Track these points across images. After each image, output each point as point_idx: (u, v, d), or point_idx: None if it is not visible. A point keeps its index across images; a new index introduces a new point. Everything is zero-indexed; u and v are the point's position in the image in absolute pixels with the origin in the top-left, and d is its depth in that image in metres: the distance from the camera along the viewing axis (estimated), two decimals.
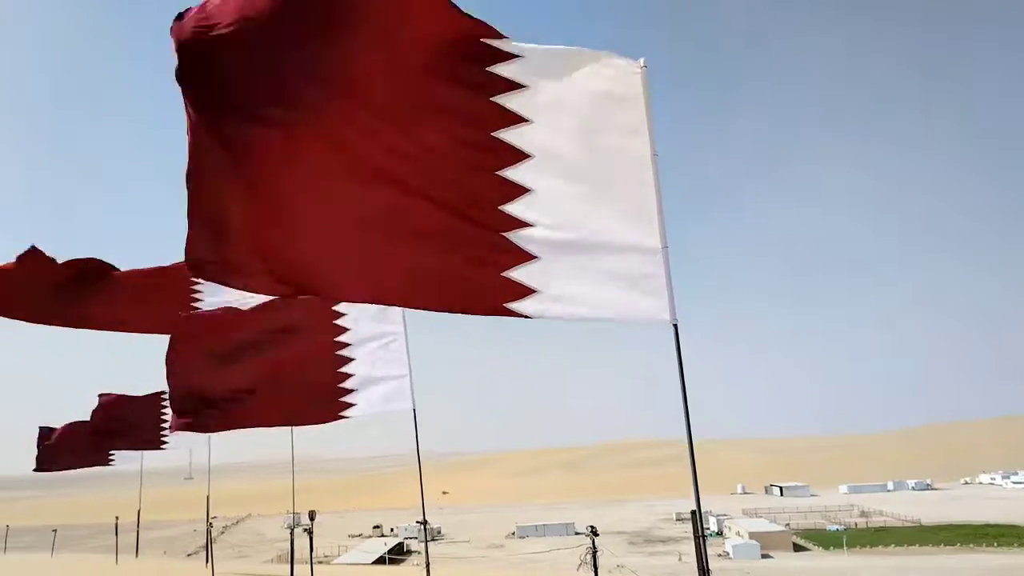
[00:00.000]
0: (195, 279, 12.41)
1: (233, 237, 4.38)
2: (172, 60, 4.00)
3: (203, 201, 4.22)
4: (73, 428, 19.43)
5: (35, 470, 19.42)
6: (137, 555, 24.82)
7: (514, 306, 4.58)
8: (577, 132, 4.63)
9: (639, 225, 4.58)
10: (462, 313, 4.75)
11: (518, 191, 4.57)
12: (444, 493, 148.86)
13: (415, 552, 77.34)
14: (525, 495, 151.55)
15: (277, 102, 4.15)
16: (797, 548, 76.63)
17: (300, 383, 10.14)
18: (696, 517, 4.39)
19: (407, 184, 4.58)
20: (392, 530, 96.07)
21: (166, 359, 9.55)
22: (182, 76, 3.97)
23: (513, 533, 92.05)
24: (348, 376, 9.97)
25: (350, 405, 9.98)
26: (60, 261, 11.49)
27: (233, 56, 3.98)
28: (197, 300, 12.36)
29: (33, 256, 11.21)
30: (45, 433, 19.61)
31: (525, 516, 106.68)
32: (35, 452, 19.64)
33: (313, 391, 10.10)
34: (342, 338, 10.03)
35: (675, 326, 4.48)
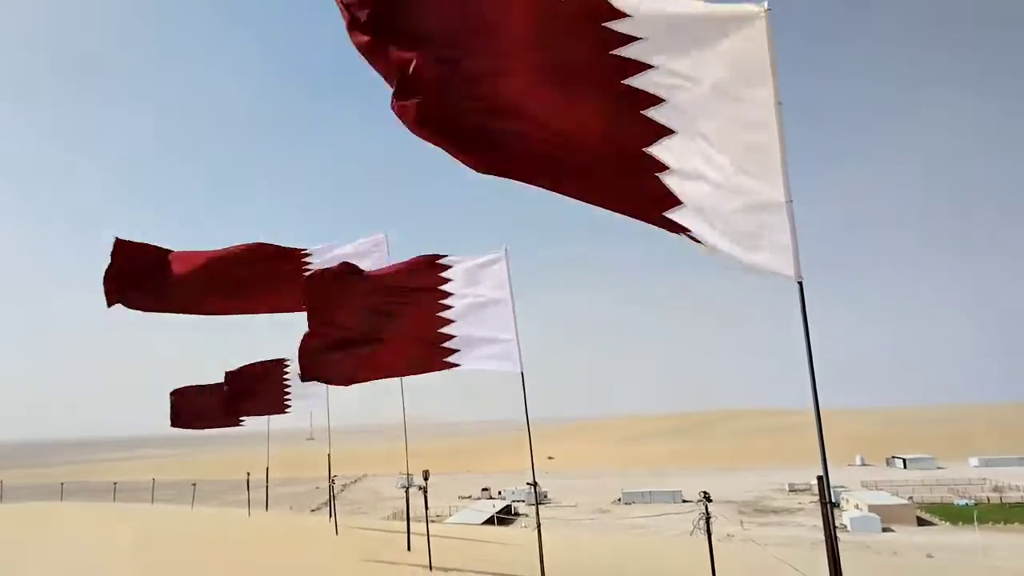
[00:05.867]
0: (304, 255, 13.08)
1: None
2: None
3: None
4: (206, 391, 21.00)
5: (172, 425, 21.18)
6: (267, 509, 26.65)
7: (671, 214, 4.81)
8: (701, 79, 4.48)
9: (763, 177, 4.38)
10: (626, 214, 5.02)
11: (660, 132, 4.70)
12: (550, 458, 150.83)
13: (522, 515, 79.13)
14: (631, 461, 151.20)
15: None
16: (921, 523, 72.72)
17: (408, 339, 10.64)
18: (823, 483, 4.19)
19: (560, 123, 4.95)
20: (500, 493, 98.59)
21: (307, 316, 10.36)
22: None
23: (619, 499, 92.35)
24: (451, 334, 10.35)
25: (454, 352, 10.40)
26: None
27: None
28: (307, 266, 12.97)
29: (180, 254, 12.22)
30: (178, 395, 21.35)
31: (631, 482, 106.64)
32: (172, 413, 21.49)
33: (419, 345, 10.56)
34: (446, 287, 10.42)
35: (800, 283, 4.26)
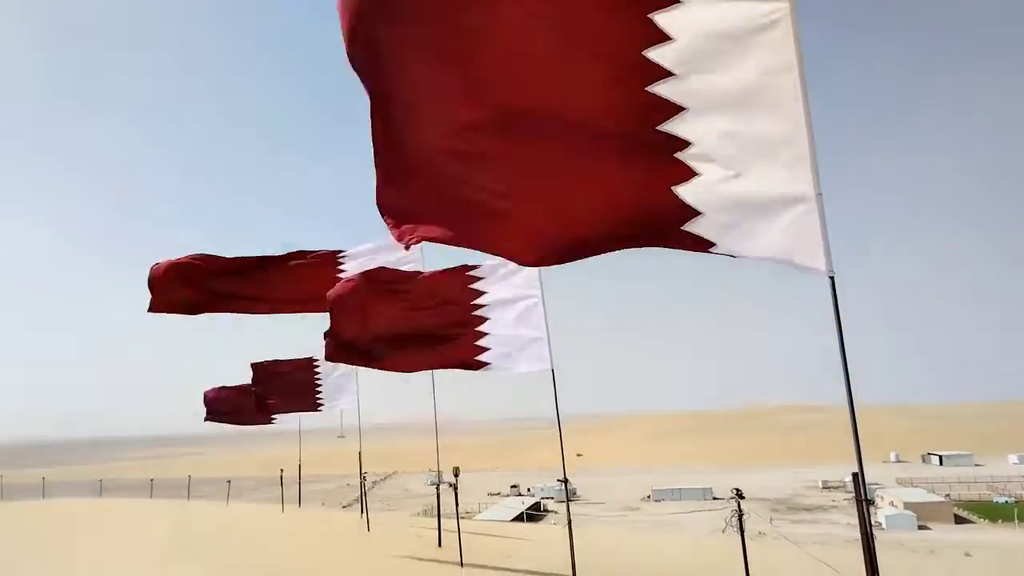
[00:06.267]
0: (339, 257, 13.37)
1: (412, 187, 4.98)
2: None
3: (385, 153, 4.86)
4: (239, 390, 21.40)
5: (206, 419, 21.74)
6: (300, 505, 27.02)
7: (688, 227, 4.64)
8: (726, 68, 4.40)
9: (791, 169, 4.30)
10: (642, 247, 4.91)
11: (678, 143, 4.58)
12: (578, 455, 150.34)
13: (551, 512, 79.13)
14: (660, 458, 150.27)
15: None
16: (959, 520, 71.26)
17: (439, 333, 10.73)
18: (858, 480, 4.13)
19: (563, 120, 4.78)
20: (528, 490, 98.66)
21: (330, 316, 10.57)
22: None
23: (648, 496, 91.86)
24: (484, 334, 10.37)
25: (486, 350, 10.38)
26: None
27: None
28: (341, 271, 13.24)
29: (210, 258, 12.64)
30: (211, 393, 21.87)
31: (660, 479, 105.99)
32: (205, 411, 22.04)
33: (451, 338, 10.62)
34: (478, 300, 10.45)
35: (831, 278, 4.20)
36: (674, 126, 4.54)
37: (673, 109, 4.51)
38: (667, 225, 4.69)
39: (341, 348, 10.95)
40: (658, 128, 4.55)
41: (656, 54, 4.44)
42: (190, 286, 12.20)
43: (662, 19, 4.41)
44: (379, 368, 11.46)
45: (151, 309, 12.07)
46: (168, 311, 12.25)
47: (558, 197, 4.96)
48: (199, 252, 12.66)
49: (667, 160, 4.59)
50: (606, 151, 4.75)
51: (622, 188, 4.76)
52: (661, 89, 4.48)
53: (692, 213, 4.60)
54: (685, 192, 4.59)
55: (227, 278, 12.48)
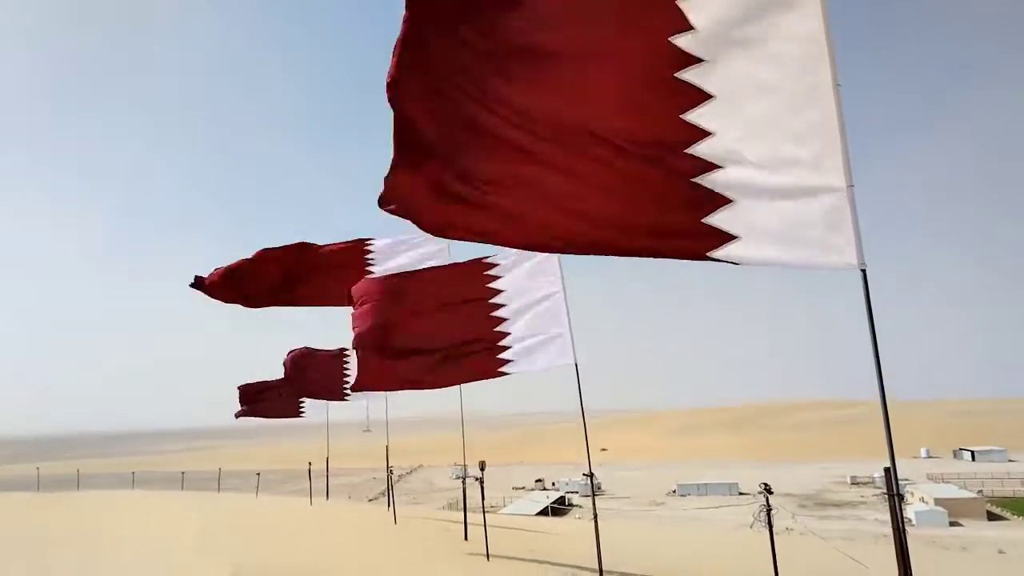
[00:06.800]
0: (368, 250, 13.53)
1: (430, 182, 4.92)
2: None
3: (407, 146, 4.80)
4: (269, 384, 21.81)
5: (236, 415, 22.14)
6: (327, 498, 27.34)
7: (717, 254, 4.53)
8: (754, 64, 4.36)
9: (822, 163, 4.25)
10: (663, 257, 4.80)
11: (701, 133, 4.51)
12: (603, 450, 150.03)
13: (576, 506, 79.10)
14: (686, 454, 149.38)
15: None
16: (992, 517, 69.94)
17: (460, 343, 10.64)
18: (890, 475, 4.09)
19: (589, 132, 4.73)
20: (553, 484, 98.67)
21: (352, 322, 10.62)
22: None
23: (674, 491, 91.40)
24: (505, 335, 10.29)
25: (508, 362, 10.29)
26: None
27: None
28: (370, 268, 13.42)
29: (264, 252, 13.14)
30: (244, 388, 22.25)
31: (685, 474, 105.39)
32: (238, 406, 22.39)
33: (472, 350, 10.55)
34: (497, 299, 10.36)
35: (863, 271, 4.15)
36: (696, 116, 4.50)
37: (700, 96, 4.49)
38: (695, 248, 4.61)
39: (369, 368, 10.89)
40: (681, 116, 4.52)
41: (681, 40, 4.45)
42: (232, 283, 12.71)
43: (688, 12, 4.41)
44: (405, 389, 11.38)
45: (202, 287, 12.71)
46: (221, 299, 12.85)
47: (582, 193, 4.90)
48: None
49: (683, 154, 4.55)
50: (631, 155, 4.71)
51: (644, 186, 4.70)
52: (689, 76, 4.47)
53: (726, 237, 4.51)
54: (717, 220, 4.52)
55: (270, 271, 12.92)
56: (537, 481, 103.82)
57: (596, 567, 9.65)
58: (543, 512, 64.15)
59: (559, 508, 73.87)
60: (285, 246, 13.44)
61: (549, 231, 5.04)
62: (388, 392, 18.46)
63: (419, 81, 4.73)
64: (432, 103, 4.79)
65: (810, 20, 4.25)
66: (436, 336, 10.70)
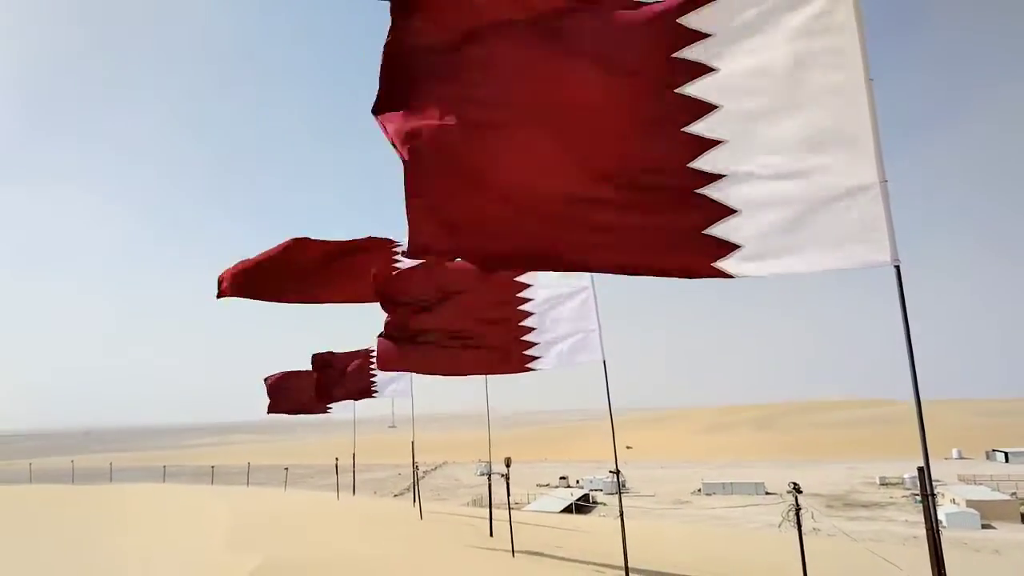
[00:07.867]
0: (394, 248, 13.59)
1: (448, 223, 4.73)
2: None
3: (421, 186, 4.63)
4: (298, 378, 22.00)
5: (269, 411, 22.28)
6: (354, 493, 27.58)
7: (720, 265, 4.40)
8: (773, 67, 4.29)
9: (854, 159, 4.19)
10: (659, 276, 4.65)
11: (706, 144, 4.40)
12: (628, 448, 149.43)
13: (600, 504, 78.97)
14: (711, 452, 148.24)
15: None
16: None
17: (486, 337, 10.67)
18: (924, 475, 4.03)
19: (588, 149, 4.63)
20: (578, 481, 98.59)
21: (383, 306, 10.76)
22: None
23: (699, 490, 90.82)
24: (531, 329, 10.28)
25: (535, 358, 10.29)
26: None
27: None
28: (396, 265, 13.47)
29: (295, 243, 13.13)
30: (271, 382, 22.41)
31: (711, 473, 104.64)
32: (267, 401, 22.59)
33: (499, 344, 10.57)
34: (524, 293, 10.35)
35: (897, 267, 4.09)
36: (701, 127, 4.41)
37: (705, 107, 4.42)
38: (696, 263, 4.49)
39: (393, 351, 11.00)
40: (684, 129, 4.44)
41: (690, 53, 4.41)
42: (254, 275, 12.74)
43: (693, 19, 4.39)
44: (429, 373, 11.52)
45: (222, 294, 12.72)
46: (238, 296, 12.88)
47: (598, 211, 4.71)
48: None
49: (686, 168, 4.46)
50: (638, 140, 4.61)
51: (652, 203, 4.55)
52: (693, 91, 4.42)
53: (729, 248, 4.39)
54: (720, 231, 4.41)
55: (293, 266, 12.94)
56: (561, 478, 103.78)
57: (621, 564, 9.63)
58: (567, 509, 64.07)
59: (583, 505, 73.77)
60: (307, 239, 13.34)
61: (561, 260, 4.90)
62: (413, 373, 18.51)
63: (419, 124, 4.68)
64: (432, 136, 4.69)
65: (841, 12, 4.20)
66: (461, 326, 10.77)
